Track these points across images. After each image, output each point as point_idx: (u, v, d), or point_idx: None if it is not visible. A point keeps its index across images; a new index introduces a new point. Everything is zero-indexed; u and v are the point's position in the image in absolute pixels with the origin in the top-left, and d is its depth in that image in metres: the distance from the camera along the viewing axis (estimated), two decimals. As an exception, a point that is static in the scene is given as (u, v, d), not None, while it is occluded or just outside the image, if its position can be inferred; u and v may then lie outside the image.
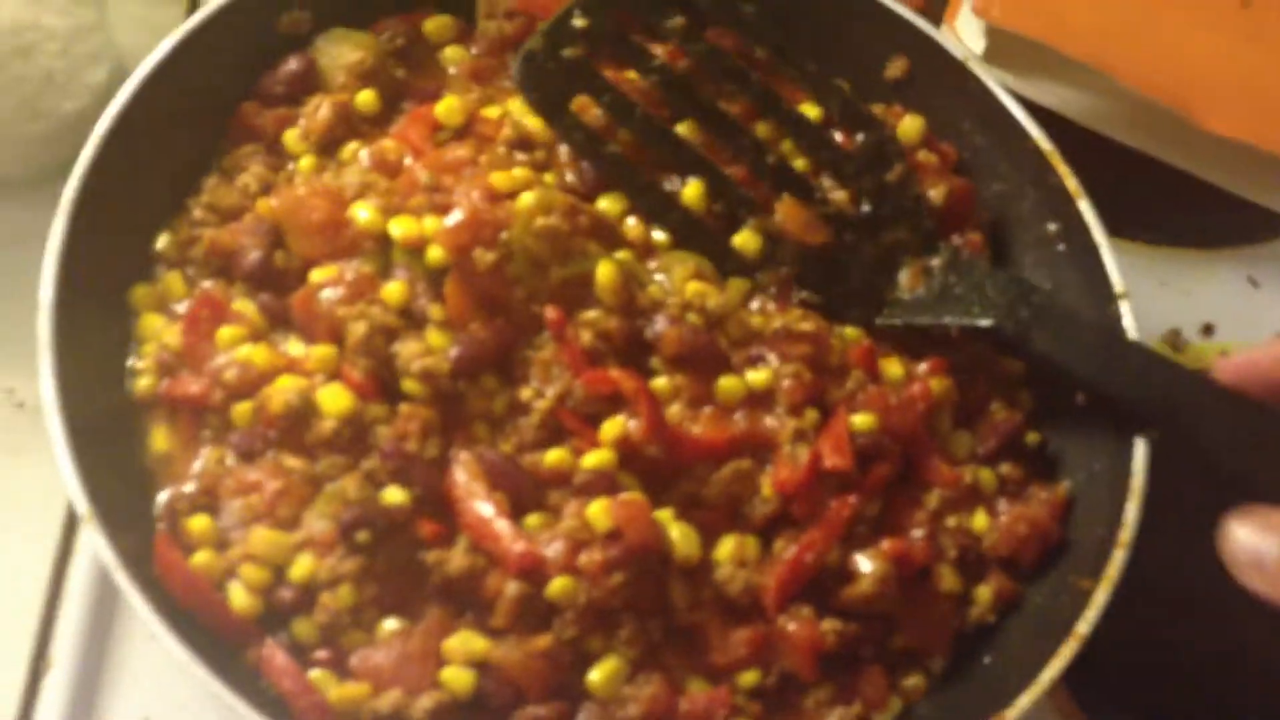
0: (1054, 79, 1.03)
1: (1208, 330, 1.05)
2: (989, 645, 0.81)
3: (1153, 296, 1.05)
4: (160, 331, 0.82)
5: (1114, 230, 0.87)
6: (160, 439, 0.80)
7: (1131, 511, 0.78)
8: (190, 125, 0.87)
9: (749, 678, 0.76)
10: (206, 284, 0.83)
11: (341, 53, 0.90)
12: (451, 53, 0.93)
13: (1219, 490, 0.80)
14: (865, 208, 0.88)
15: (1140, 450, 0.80)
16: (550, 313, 0.80)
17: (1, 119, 0.94)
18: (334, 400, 0.77)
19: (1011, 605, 0.82)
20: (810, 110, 0.90)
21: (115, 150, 0.82)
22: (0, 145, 0.96)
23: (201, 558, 0.75)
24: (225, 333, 0.80)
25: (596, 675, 0.75)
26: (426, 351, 0.78)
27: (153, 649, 0.86)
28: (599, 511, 0.75)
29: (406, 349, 0.78)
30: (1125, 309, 0.84)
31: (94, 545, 0.72)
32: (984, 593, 0.81)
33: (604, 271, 0.81)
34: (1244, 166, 1.03)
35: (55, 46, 0.95)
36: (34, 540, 0.88)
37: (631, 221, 0.86)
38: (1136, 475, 0.79)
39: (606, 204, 0.86)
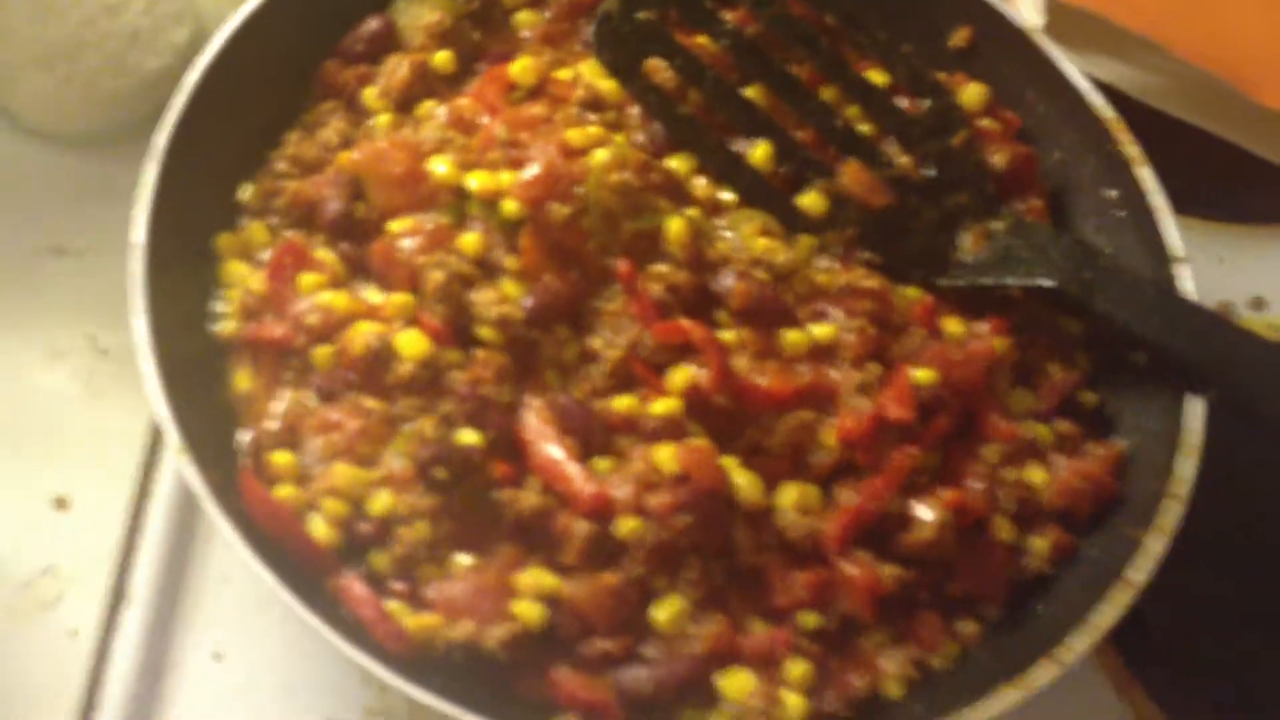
0: (1112, 54, 1.05)
1: (1258, 304, 1.06)
2: (1044, 595, 0.83)
3: (1206, 271, 1.05)
4: (244, 277, 0.85)
5: (1170, 208, 0.89)
6: (243, 379, 0.83)
7: (1188, 467, 0.80)
8: (273, 81, 0.90)
9: (809, 619, 0.78)
10: (288, 233, 0.86)
11: (420, 14, 0.93)
12: (525, 17, 0.95)
13: (1275, 449, 0.83)
14: (929, 172, 0.90)
15: (1197, 409, 0.82)
16: (622, 265, 0.82)
17: (89, 75, 0.97)
18: (412, 344, 0.80)
19: (1066, 557, 0.83)
20: (877, 76, 0.92)
21: (203, 103, 0.86)
22: (87, 100, 0.99)
23: (285, 490, 0.78)
24: (307, 279, 0.83)
25: (661, 612, 0.77)
26: (502, 300, 0.81)
27: (225, 589, 0.89)
28: (667, 455, 0.77)
29: (482, 297, 0.81)
30: (1185, 272, 0.86)
31: (184, 475, 0.75)
32: (1040, 544, 0.83)
33: (674, 226, 0.83)
34: (1300, 143, 1.05)
35: (141, 5, 0.98)
36: (114, 481, 0.91)
37: (700, 181, 0.88)
38: (1193, 433, 0.81)
39: (676, 163, 0.88)
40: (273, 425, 0.80)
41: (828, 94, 0.91)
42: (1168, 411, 0.84)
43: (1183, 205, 1.00)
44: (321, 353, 0.81)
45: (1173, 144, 1.02)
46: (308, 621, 0.72)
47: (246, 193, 0.88)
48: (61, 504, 0.90)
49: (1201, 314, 0.83)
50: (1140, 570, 0.78)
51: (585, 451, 0.79)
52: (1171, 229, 0.87)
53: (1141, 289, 0.84)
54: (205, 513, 0.87)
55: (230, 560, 0.88)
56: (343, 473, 0.77)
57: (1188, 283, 0.86)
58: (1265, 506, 0.93)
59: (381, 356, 0.80)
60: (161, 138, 0.83)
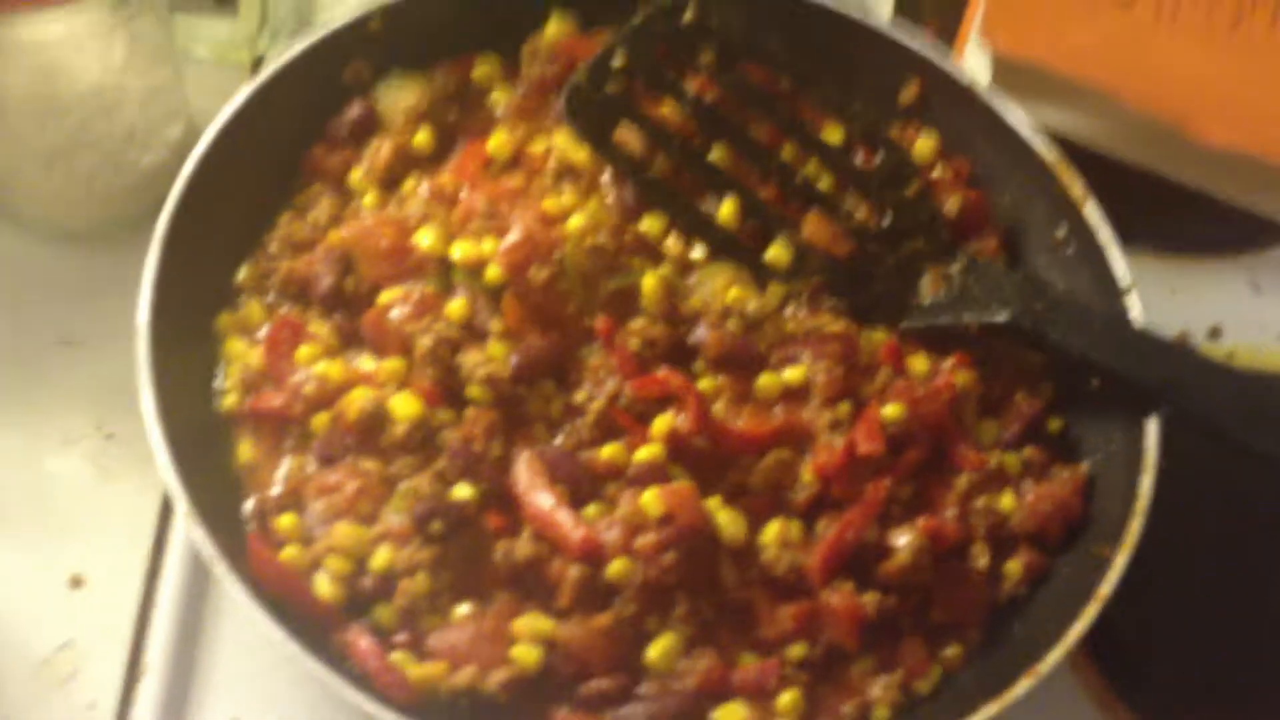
0: (1058, 103, 1.09)
1: (1214, 333, 1.10)
2: (1021, 616, 0.86)
3: (1162, 303, 1.09)
4: (243, 354, 0.89)
5: (1124, 243, 0.93)
6: (246, 450, 0.87)
7: (1146, 484, 0.84)
8: (263, 168, 0.95)
9: (797, 650, 0.82)
10: (284, 309, 0.91)
11: (399, 98, 0.98)
12: (499, 94, 1.00)
13: (1231, 461, 0.87)
14: (886, 221, 0.95)
15: (1152, 427, 0.86)
16: (600, 323, 0.87)
17: (88, 173, 1.02)
18: (405, 407, 0.84)
19: (1040, 578, 0.87)
20: (832, 133, 0.97)
21: (198, 193, 0.90)
22: (86, 198, 1.03)
23: (290, 552, 0.81)
24: (303, 351, 0.87)
25: (654, 650, 0.80)
26: (488, 360, 0.85)
27: (238, 656, 0.92)
28: (652, 498, 0.81)
29: (470, 359, 0.85)
30: (1133, 301, 0.90)
31: (194, 541, 0.79)
32: (1014, 567, 0.86)
33: (649, 283, 0.88)
34: (1241, 177, 1.09)
35: (135, 105, 1.02)
36: (127, 558, 0.94)
37: (671, 240, 0.93)
38: (1149, 450, 0.85)
39: (648, 224, 0.93)
40: (276, 490, 0.84)
41: (787, 152, 0.96)
42: (1127, 432, 0.88)
43: (1132, 240, 1.05)
44: (319, 420, 0.85)
45: (1123, 185, 1.07)
46: (316, 674, 0.75)
47: (243, 273, 0.92)
48: (76, 582, 0.93)
49: (1149, 339, 0.88)
50: (1109, 584, 0.81)
51: (575, 499, 0.83)
52: (1119, 261, 0.92)
53: (1091, 318, 0.88)
54: (216, 582, 0.91)
55: (243, 628, 0.91)
56: (344, 531, 0.81)
57: (1136, 310, 0.90)
58: (1225, 519, 0.97)
59: (377, 420, 0.84)
60: (161, 226, 0.88)
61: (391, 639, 0.80)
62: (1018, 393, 0.92)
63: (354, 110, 0.97)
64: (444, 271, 0.89)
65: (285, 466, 0.85)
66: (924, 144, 0.99)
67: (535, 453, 0.84)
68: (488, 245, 0.88)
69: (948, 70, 0.98)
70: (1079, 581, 0.84)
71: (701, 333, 0.88)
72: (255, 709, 0.90)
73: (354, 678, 0.78)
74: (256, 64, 1.14)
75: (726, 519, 0.82)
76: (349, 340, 0.89)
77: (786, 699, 0.81)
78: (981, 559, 0.86)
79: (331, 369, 0.86)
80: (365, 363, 0.88)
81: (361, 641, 0.79)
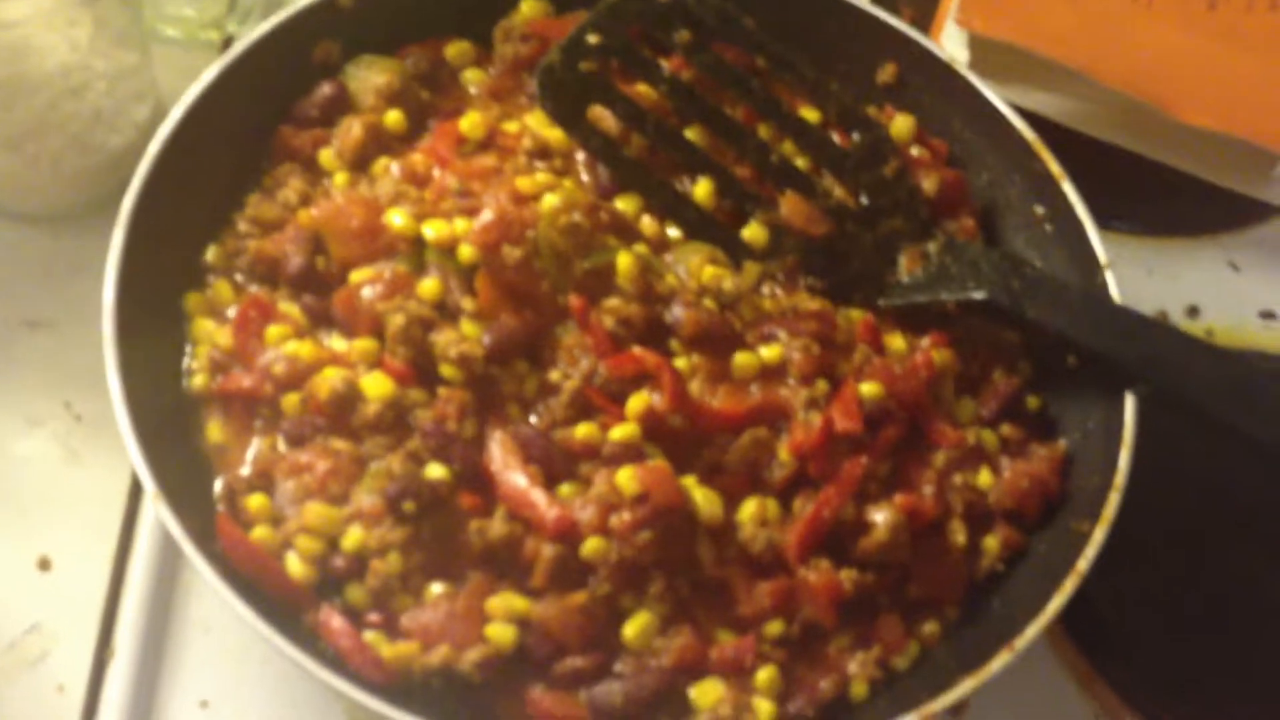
0: (1036, 84, 1.10)
1: (1193, 312, 1.11)
2: (998, 592, 0.86)
3: (1141, 283, 1.11)
4: (212, 334, 0.88)
5: (1102, 224, 0.93)
6: (215, 430, 0.85)
7: (1124, 459, 0.84)
8: (232, 148, 0.93)
9: (774, 627, 0.81)
10: (253, 289, 0.89)
11: (370, 77, 0.97)
12: (471, 74, 0.99)
13: (1210, 440, 0.87)
14: (864, 200, 0.94)
15: (1130, 404, 0.86)
16: (574, 301, 0.86)
17: (55, 154, 1.00)
18: (376, 386, 0.83)
19: (1018, 555, 0.87)
20: (809, 113, 0.97)
21: (165, 171, 0.88)
22: (53, 179, 1.02)
23: (260, 532, 0.80)
24: (273, 331, 0.86)
25: (630, 629, 0.80)
26: (461, 339, 0.84)
27: (208, 638, 0.91)
28: (627, 477, 0.80)
29: (443, 338, 0.84)
30: (1110, 278, 0.90)
31: (162, 522, 0.77)
32: (992, 543, 0.86)
33: (624, 262, 0.87)
34: (1219, 156, 1.10)
35: (102, 86, 1.01)
36: (95, 540, 0.93)
37: (647, 219, 0.92)
38: (1127, 427, 0.85)
39: (623, 204, 0.92)
40: (245, 471, 0.83)
41: (764, 132, 0.95)
42: (1105, 410, 0.88)
43: (1115, 222, 1.05)
44: (290, 400, 0.84)
45: (1101, 165, 1.07)
46: (288, 655, 0.74)
47: (211, 253, 0.91)
48: (44, 564, 0.92)
49: (1127, 315, 0.88)
50: (1086, 559, 0.81)
51: (549, 479, 0.82)
52: (1095, 238, 0.92)
53: (1068, 295, 0.88)
54: (186, 564, 0.90)
55: (213, 609, 0.91)
56: (315, 511, 0.80)
57: (1114, 288, 0.90)
58: (1201, 497, 0.97)
59: (348, 399, 0.83)
60: (126, 206, 0.86)
61: (364, 619, 0.79)
62: (995, 371, 0.92)
63: (324, 90, 0.96)
64: (416, 251, 0.87)
65: (255, 447, 0.84)
66: (901, 124, 0.98)
67: (509, 432, 0.83)
68: (460, 224, 0.87)
69: (927, 47, 0.98)
70: (1056, 558, 0.84)
71: (677, 311, 0.87)
72: (225, 692, 0.89)
73: (326, 658, 0.77)
74: (226, 44, 1.12)
75: (703, 498, 0.82)
76: (319, 320, 0.88)
77: (764, 676, 0.80)
78: (959, 536, 0.85)
79: (302, 349, 0.85)
80: (336, 343, 0.87)
81: (334, 622, 0.78)
